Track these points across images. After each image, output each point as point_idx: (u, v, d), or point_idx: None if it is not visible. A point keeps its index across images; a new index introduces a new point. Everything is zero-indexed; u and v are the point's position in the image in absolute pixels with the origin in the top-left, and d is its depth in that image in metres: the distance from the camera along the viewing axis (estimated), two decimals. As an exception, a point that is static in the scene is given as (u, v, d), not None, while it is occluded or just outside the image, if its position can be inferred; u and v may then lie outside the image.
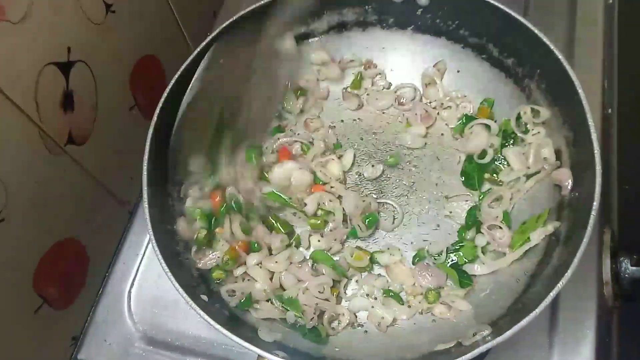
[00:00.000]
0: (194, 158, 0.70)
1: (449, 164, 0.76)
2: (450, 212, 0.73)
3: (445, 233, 0.72)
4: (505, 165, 0.74)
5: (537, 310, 0.55)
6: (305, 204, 0.73)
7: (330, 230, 0.73)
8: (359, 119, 0.81)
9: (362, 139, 0.79)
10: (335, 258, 0.71)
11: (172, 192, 0.71)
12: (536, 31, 0.66)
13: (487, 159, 0.73)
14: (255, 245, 0.70)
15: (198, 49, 0.71)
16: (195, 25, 0.96)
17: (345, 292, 0.70)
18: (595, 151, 0.61)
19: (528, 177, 0.71)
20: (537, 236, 0.66)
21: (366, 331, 0.68)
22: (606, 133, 0.78)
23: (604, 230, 0.71)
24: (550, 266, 0.62)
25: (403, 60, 0.82)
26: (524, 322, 0.55)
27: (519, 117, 0.73)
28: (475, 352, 0.55)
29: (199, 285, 0.66)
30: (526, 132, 0.73)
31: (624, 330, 0.73)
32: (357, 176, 0.77)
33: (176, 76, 0.70)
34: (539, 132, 0.72)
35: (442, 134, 0.78)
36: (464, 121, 0.77)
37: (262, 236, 0.71)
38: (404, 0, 0.76)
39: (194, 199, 0.71)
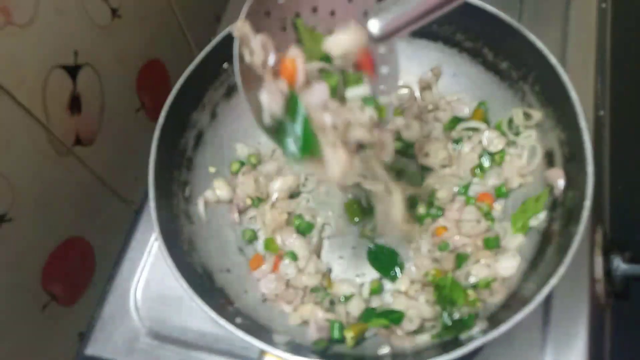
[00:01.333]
0: None
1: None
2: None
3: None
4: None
5: (531, 307, 0.56)
6: None
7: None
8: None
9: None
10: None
11: (178, 192, 0.73)
12: (530, 36, 0.68)
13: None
14: None
15: (202, 53, 0.72)
16: (199, 29, 0.97)
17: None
18: (588, 152, 0.62)
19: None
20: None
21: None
22: (599, 134, 0.78)
23: (596, 229, 0.72)
24: (543, 264, 0.63)
25: (400, 64, 0.83)
26: (517, 318, 0.55)
27: (511, 120, 0.75)
28: (469, 347, 0.56)
29: (204, 282, 0.67)
30: (517, 134, 0.74)
31: (616, 327, 0.73)
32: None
33: (181, 80, 0.71)
34: (530, 135, 0.73)
35: (437, 137, 0.79)
36: (453, 122, 0.78)
37: None
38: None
39: None
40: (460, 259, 0.70)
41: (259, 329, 0.65)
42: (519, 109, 0.74)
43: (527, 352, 0.67)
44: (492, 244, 0.70)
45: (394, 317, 0.66)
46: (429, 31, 0.78)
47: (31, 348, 0.74)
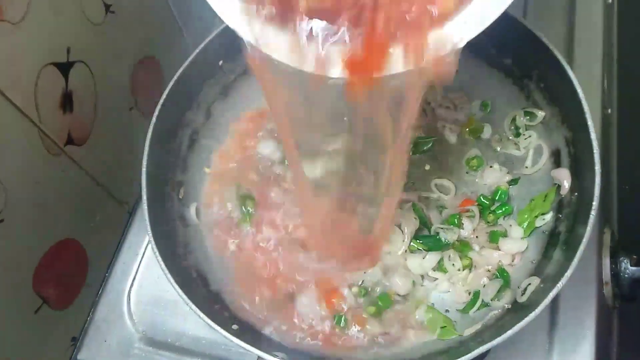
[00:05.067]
0: None
1: (447, 165, 0.76)
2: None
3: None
4: None
5: (537, 310, 0.55)
6: None
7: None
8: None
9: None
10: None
11: (172, 193, 0.72)
12: (535, 31, 0.66)
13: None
14: None
15: (197, 50, 0.71)
16: (195, 25, 0.96)
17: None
18: (595, 151, 0.61)
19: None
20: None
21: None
22: (606, 133, 0.78)
23: (603, 231, 0.71)
24: (550, 266, 0.63)
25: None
26: (524, 321, 0.55)
27: (513, 120, 0.74)
28: (475, 352, 0.55)
29: (198, 286, 0.66)
30: (518, 135, 0.73)
31: (623, 330, 0.73)
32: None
33: (176, 76, 0.70)
34: (530, 136, 0.72)
35: (441, 135, 0.78)
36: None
37: None
38: None
39: None
40: None
41: (256, 335, 0.64)
42: (520, 110, 0.73)
43: (534, 355, 0.67)
44: (498, 238, 0.69)
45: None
46: (431, 26, 0.77)
47: (23, 353, 0.73)
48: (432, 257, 0.69)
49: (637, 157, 0.82)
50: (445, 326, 0.65)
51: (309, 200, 0.63)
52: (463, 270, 0.68)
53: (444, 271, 0.69)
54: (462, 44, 0.45)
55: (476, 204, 0.72)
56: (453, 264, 0.69)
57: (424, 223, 0.71)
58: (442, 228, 0.70)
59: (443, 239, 0.69)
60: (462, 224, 0.71)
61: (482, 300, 0.66)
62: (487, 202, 0.72)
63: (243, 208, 0.74)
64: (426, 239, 0.70)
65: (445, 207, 0.73)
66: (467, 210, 0.72)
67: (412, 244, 0.69)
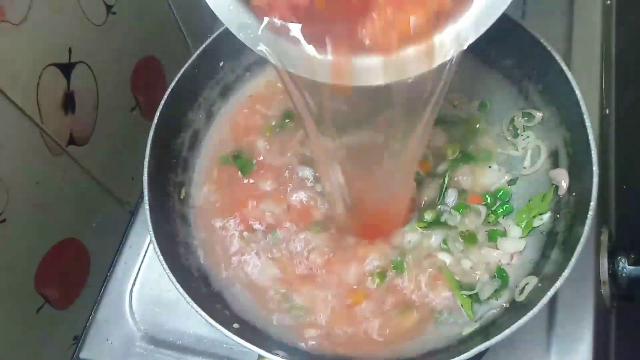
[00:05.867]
0: None
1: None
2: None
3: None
4: None
5: (535, 309, 0.55)
6: None
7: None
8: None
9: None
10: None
11: (173, 193, 0.72)
12: (534, 33, 0.66)
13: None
14: None
15: (199, 50, 0.71)
16: (196, 26, 0.96)
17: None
18: (593, 151, 0.61)
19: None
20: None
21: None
22: (604, 133, 0.78)
23: (601, 230, 0.71)
24: (548, 265, 0.63)
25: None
26: (522, 321, 0.55)
27: (511, 121, 0.74)
28: (474, 350, 0.55)
29: (199, 285, 0.67)
30: (516, 136, 0.74)
31: (621, 329, 0.74)
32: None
33: (177, 77, 0.70)
34: (528, 137, 0.72)
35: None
36: None
37: None
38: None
39: None
40: None
41: (257, 334, 0.64)
42: (519, 111, 0.73)
43: (532, 353, 0.67)
44: (497, 237, 0.69)
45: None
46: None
47: (25, 352, 0.73)
48: (438, 237, 0.70)
49: (634, 157, 0.82)
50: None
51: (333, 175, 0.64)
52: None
53: (449, 250, 0.69)
54: (465, 46, 0.45)
55: (482, 202, 0.72)
56: (457, 247, 0.69)
57: (438, 197, 0.72)
58: (446, 208, 0.70)
59: (442, 220, 0.70)
60: (466, 218, 0.71)
61: (480, 299, 0.66)
62: (490, 201, 0.72)
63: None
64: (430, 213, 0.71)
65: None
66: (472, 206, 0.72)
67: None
